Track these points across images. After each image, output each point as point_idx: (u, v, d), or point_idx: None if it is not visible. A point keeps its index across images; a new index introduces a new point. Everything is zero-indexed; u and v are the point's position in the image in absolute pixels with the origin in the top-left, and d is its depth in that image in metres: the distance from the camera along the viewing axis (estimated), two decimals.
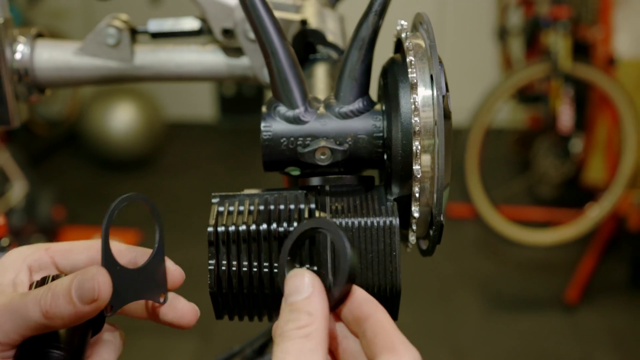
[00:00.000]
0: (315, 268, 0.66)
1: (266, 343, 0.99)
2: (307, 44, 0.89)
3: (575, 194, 4.63)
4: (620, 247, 4.31)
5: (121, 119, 5.42)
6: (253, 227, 0.68)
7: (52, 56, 0.94)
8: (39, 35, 0.96)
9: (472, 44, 6.34)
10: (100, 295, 0.59)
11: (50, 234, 4.13)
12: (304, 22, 0.90)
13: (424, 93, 0.66)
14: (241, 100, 6.40)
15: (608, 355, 3.48)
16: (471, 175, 3.92)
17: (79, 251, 0.68)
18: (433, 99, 0.65)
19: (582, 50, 4.25)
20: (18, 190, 3.80)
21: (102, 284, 0.59)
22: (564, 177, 4.32)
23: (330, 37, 0.90)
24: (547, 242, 4.13)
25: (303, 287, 0.58)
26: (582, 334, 3.63)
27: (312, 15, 0.93)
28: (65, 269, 0.68)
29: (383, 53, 0.77)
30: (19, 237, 3.62)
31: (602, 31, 4.12)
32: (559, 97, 4.02)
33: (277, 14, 0.89)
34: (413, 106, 0.65)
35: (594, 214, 4.09)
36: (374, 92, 0.74)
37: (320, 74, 0.83)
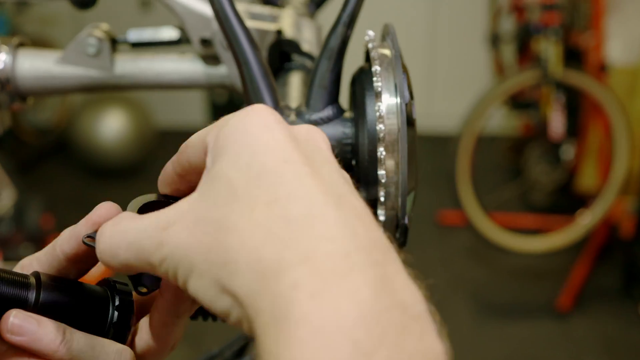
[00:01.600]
0: None
1: (245, 345, 1.00)
2: (282, 53, 0.91)
3: (567, 201, 4.65)
4: (613, 254, 4.32)
5: (111, 126, 5.41)
6: None
7: (33, 65, 0.96)
8: (21, 44, 0.98)
9: (464, 50, 6.36)
10: (99, 209, 0.61)
11: (39, 243, 4.12)
12: (279, 32, 0.92)
13: (388, 101, 0.68)
14: (233, 107, 6.34)
15: None
16: (463, 182, 3.94)
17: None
18: (397, 106, 0.67)
19: (573, 57, 4.27)
20: (6, 198, 3.78)
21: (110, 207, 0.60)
22: (555, 184, 4.34)
23: (305, 47, 0.92)
24: (539, 249, 4.14)
25: None
26: (574, 341, 3.65)
27: (288, 25, 0.95)
28: None
29: (359, 60, 0.79)
30: (6, 245, 3.61)
31: (593, 38, 4.14)
32: (550, 104, 4.04)
33: (254, 23, 0.92)
34: (378, 114, 0.67)
35: (586, 221, 4.10)
36: (344, 99, 0.76)
37: (295, 82, 0.85)
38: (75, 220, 0.64)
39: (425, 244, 4.51)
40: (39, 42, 5.63)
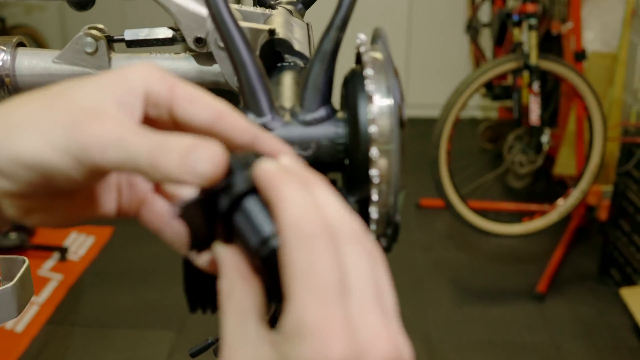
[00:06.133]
0: None
1: None
2: (275, 52, 0.94)
3: (545, 186, 4.69)
4: (590, 238, 4.38)
5: None
6: None
7: (32, 63, 0.99)
8: (20, 44, 1.00)
9: (442, 38, 6.38)
10: (210, 176, 0.56)
11: (26, 231, 4.13)
12: (272, 32, 0.95)
13: (380, 103, 0.71)
14: (217, 94, 6.39)
15: (576, 344, 3.54)
16: (442, 168, 3.96)
17: (202, 108, 0.63)
18: (389, 109, 0.70)
19: (551, 45, 4.30)
20: None
21: (218, 163, 0.56)
22: (533, 170, 4.37)
23: (297, 46, 0.94)
24: (517, 233, 4.17)
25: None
26: (551, 323, 3.69)
27: (279, 24, 0.98)
28: (177, 118, 0.63)
29: (348, 59, 0.82)
30: None
31: (570, 25, 4.17)
32: (528, 91, 4.07)
33: (247, 24, 0.94)
34: (371, 116, 0.70)
35: (564, 206, 4.14)
36: (336, 100, 0.79)
37: (287, 82, 0.87)
38: None
39: (405, 227, 4.54)
40: (23, 31, 5.62)
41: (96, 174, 0.58)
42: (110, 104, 0.59)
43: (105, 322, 3.68)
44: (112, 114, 0.58)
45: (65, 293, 3.88)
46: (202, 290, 0.75)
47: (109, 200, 0.68)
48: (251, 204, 0.59)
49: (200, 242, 0.63)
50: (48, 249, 4.20)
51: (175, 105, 0.62)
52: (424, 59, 6.44)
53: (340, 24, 0.74)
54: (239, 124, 0.64)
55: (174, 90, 0.62)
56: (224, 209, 0.59)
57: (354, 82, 0.75)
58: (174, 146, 0.55)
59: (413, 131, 5.31)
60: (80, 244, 4.33)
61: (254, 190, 0.59)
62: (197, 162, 0.55)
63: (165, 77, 0.62)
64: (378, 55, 0.75)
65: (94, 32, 0.99)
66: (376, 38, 0.78)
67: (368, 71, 0.72)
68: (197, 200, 0.59)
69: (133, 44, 1.02)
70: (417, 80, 6.43)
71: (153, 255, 4.18)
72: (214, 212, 0.59)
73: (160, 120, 0.64)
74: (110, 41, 1.01)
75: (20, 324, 3.56)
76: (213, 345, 1.04)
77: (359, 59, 0.78)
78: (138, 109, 0.61)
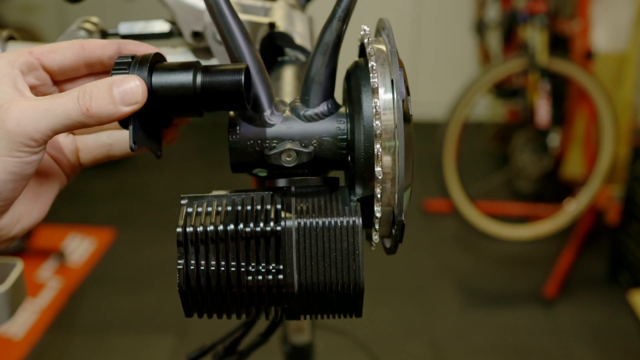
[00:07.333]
0: (280, 267, 0.69)
1: (237, 340, 1.00)
2: (275, 46, 0.91)
3: (553, 189, 4.65)
4: (599, 242, 4.34)
5: None
6: (220, 227, 0.70)
7: None
8: (11, 37, 0.97)
9: (449, 38, 6.34)
10: (142, 98, 0.65)
11: (25, 235, 4.10)
12: (272, 25, 0.92)
13: (384, 97, 0.67)
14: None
15: (585, 349, 3.50)
16: (449, 170, 3.93)
17: (63, 50, 0.71)
18: (393, 102, 0.67)
19: (559, 44, 4.27)
20: None
21: (142, 87, 0.65)
22: (542, 172, 4.34)
23: (298, 40, 0.91)
24: (526, 237, 4.14)
25: None
26: (560, 328, 3.66)
27: (280, 18, 0.95)
28: (53, 69, 0.71)
29: (351, 54, 0.79)
30: None
31: (579, 25, 4.14)
32: (536, 92, 4.04)
33: (246, 17, 0.91)
34: (374, 110, 0.67)
35: (573, 208, 4.11)
36: (339, 94, 0.76)
37: (288, 76, 0.84)
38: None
39: (411, 231, 4.51)
40: (22, 30, 5.61)
41: (42, 145, 0.65)
42: (11, 94, 0.65)
43: (105, 327, 3.65)
44: (19, 98, 0.65)
45: (65, 299, 3.85)
46: (198, 294, 0.72)
47: (71, 160, 0.81)
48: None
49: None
50: (48, 253, 4.16)
51: (44, 61, 0.70)
52: (431, 58, 6.41)
53: (342, 15, 0.71)
54: (99, 43, 0.72)
55: (34, 53, 0.69)
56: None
57: (357, 75, 0.72)
58: (94, 90, 0.64)
59: (421, 133, 5.29)
60: (81, 249, 4.30)
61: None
62: (126, 92, 0.64)
63: (19, 51, 0.69)
64: (382, 46, 0.72)
65: (88, 25, 0.96)
66: (380, 29, 0.75)
67: (372, 64, 0.69)
68: (137, 124, 0.67)
69: (128, 39, 0.99)
70: (425, 79, 6.39)
71: (153, 260, 4.15)
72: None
73: (44, 85, 0.72)
74: (105, 35, 0.98)
75: (19, 331, 3.53)
76: (211, 350, 1.01)
77: (362, 51, 0.75)
78: (26, 85, 0.68)
